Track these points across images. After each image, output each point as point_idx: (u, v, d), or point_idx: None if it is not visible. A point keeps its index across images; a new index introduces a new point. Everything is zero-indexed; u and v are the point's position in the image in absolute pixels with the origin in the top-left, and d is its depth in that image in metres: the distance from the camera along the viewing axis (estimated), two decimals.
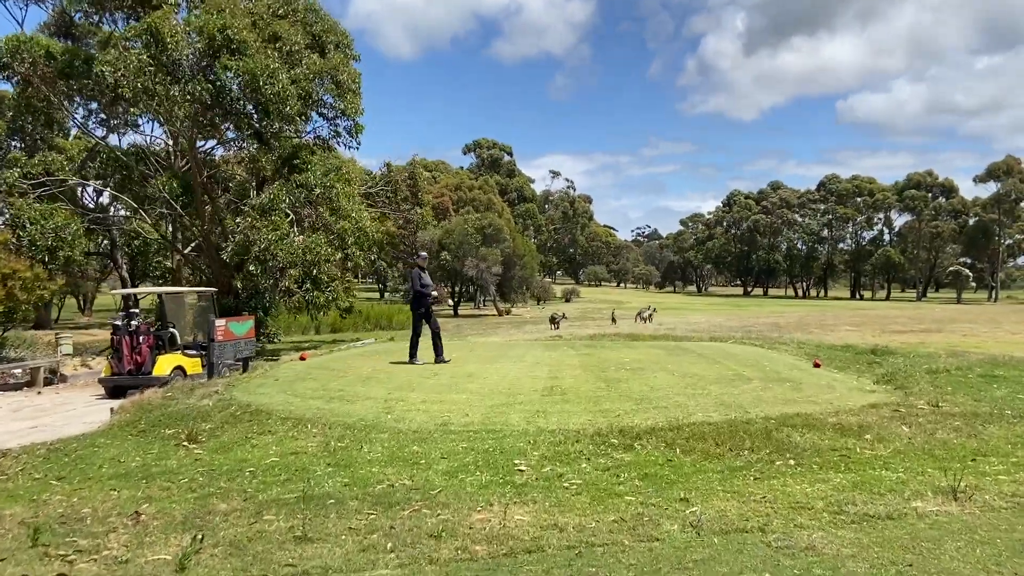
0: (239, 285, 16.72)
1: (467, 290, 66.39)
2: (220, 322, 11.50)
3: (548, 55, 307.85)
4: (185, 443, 6.87)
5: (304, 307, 16.25)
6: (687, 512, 4.81)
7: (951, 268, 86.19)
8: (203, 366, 12.11)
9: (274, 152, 16.98)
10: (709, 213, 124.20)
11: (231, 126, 17.52)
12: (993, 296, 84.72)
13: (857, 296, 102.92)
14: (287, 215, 16.52)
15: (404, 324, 37.32)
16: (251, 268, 15.41)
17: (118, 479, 6.09)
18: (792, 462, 5.91)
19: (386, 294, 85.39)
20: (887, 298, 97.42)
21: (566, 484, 5.53)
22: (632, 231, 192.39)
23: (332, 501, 5.19)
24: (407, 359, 11.56)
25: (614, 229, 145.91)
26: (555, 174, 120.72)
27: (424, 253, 12.62)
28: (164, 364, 11.78)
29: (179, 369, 11.90)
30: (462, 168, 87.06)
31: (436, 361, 11.41)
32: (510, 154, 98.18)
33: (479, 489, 5.48)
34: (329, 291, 16.01)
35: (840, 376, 10.18)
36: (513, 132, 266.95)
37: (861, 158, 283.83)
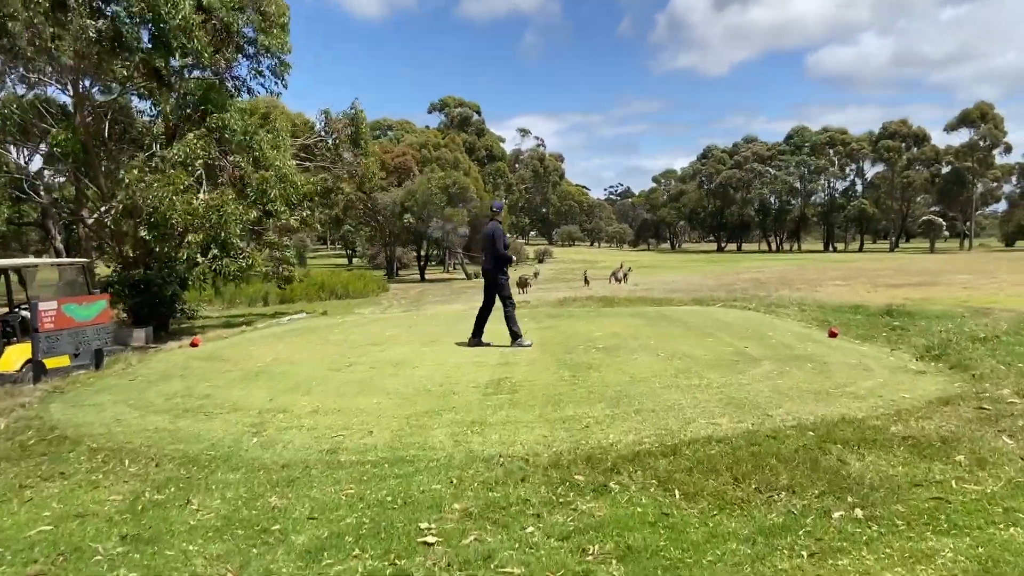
0: (130, 254, 14.11)
1: (436, 253, 64.01)
2: (47, 305, 8.89)
3: (517, 13, 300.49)
4: None
5: (211, 278, 13.56)
6: None
7: (924, 218, 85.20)
8: (72, 357, 9.60)
9: (176, 93, 14.26)
10: (682, 169, 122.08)
11: (125, 65, 14.69)
12: (967, 245, 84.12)
13: (831, 248, 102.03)
14: (197, 170, 13.87)
15: (363, 292, 34.80)
16: (143, 233, 12.78)
17: None
18: (860, 513, 3.70)
19: (355, 260, 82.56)
20: (860, 249, 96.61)
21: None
22: (605, 190, 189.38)
23: None
24: (469, 339, 9.24)
25: (587, 188, 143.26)
26: (524, 132, 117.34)
27: (501, 203, 9.63)
28: (12, 357, 9.26)
29: (35, 363, 9.40)
30: (428, 127, 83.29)
31: (513, 344, 8.92)
32: (478, 112, 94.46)
33: None
34: (243, 258, 13.41)
35: (869, 350, 8.03)
36: (484, 94, 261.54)
37: (829, 112, 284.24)
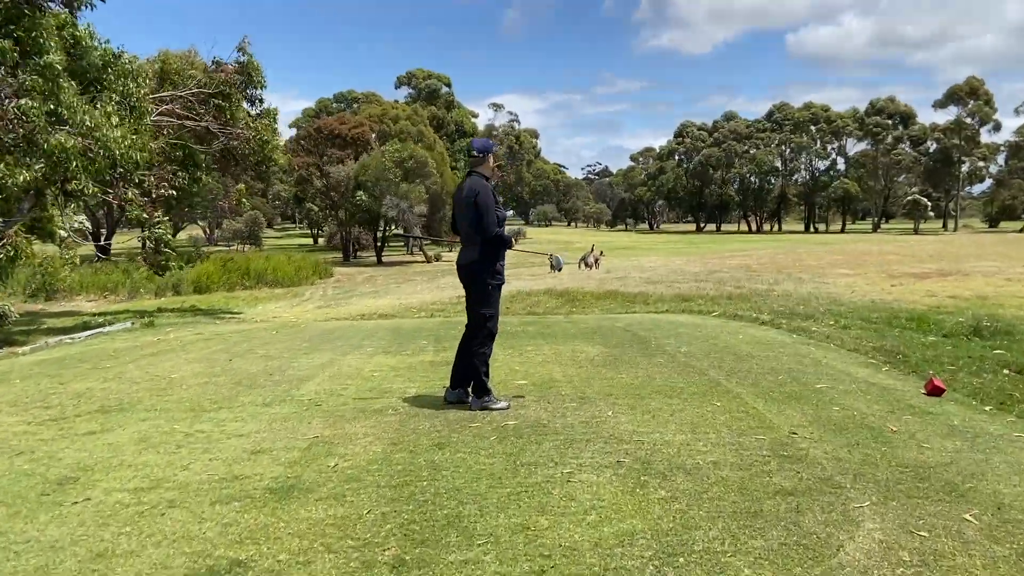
0: None
1: (396, 233, 59.68)
2: None
3: None
4: None
5: None
6: None
7: (909, 197, 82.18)
8: None
9: None
10: (660, 148, 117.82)
11: None
12: (953, 226, 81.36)
13: (812, 229, 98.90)
14: None
15: (291, 280, 30.28)
16: None
17: None
18: None
19: (320, 240, 77.75)
20: (843, 230, 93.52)
21: None
22: (582, 169, 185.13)
23: None
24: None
25: (564, 167, 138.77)
26: (497, 107, 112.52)
27: (488, 141, 5.00)
28: None
29: None
30: (397, 101, 78.08)
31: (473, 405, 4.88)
32: (448, 85, 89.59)
33: None
34: (4, 249, 9.08)
35: None
36: (463, 71, 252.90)
37: (808, 93, 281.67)
